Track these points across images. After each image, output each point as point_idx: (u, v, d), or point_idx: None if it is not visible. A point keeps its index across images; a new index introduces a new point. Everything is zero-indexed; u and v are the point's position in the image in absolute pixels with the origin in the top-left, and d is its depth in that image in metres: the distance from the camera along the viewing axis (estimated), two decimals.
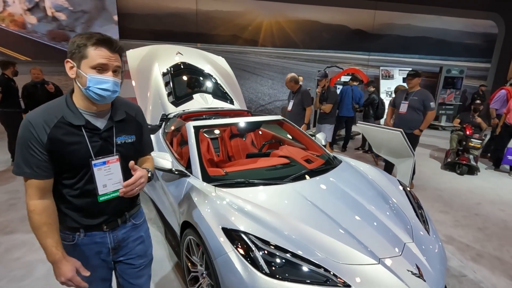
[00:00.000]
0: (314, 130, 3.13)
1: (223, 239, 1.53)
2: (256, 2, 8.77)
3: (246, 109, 3.91)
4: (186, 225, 1.94)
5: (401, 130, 3.03)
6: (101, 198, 1.16)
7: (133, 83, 3.50)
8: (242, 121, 2.96)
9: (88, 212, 1.18)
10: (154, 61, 3.76)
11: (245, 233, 1.54)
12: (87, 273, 1.12)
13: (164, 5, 8.38)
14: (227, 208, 1.73)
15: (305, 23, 9.16)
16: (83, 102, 1.11)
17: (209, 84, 3.93)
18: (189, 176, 2.16)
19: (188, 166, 2.27)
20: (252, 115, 3.55)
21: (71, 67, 1.07)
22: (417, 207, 2.16)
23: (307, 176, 2.20)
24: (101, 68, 1.05)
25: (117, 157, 1.18)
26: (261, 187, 2.01)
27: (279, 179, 2.15)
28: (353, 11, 9.29)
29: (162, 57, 3.85)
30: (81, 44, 1.04)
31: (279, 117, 3.14)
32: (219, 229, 1.58)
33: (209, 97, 3.75)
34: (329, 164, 2.52)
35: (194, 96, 3.67)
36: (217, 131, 3.40)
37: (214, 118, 3.22)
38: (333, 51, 9.54)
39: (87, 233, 1.19)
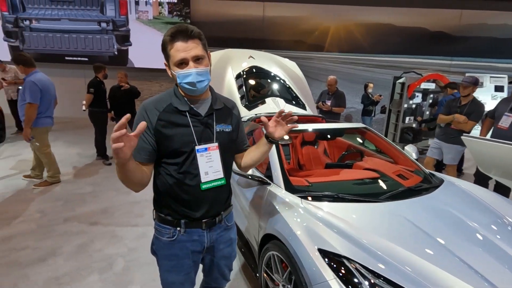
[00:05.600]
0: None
1: (321, 264, 1.31)
2: (323, 6, 8.47)
3: (318, 115, 3.68)
4: (267, 238, 1.77)
5: None
6: (204, 186, 1.17)
7: None
8: (325, 128, 2.71)
9: (190, 202, 1.19)
10: (227, 64, 3.78)
11: (348, 259, 1.29)
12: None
13: (232, 13, 8.62)
14: (321, 225, 1.50)
15: (377, 27, 8.55)
16: (185, 93, 1.17)
17: (281, 88, 3.82)
18: (270, 184, 1.99)
19: (268, 173, 2.12)
20: (327, 121, 3.29)
21: (168, 69, 1.14)
22: None
23: (406, 196, 1.86)
24: (182, 63, 1.08)
25: (216, 144, 1.20)
26: (354, 204, 1.74)
27: (373, 196, 1.86)
28: (434, 12, 8.36)
29: (235, 61, 3.85)
30: (164, 45, 1.09)
31: (361, 124, 2.83)
32: (315, 251, 1.36)
33: (281, 101, 3.62)
34: (429, 182, 2.13)
35: (267, 100, 3.57)
36: (287, 137, 3.22)
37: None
38: (406, 56, 8.70)
39: (187, 229, 1.21)
